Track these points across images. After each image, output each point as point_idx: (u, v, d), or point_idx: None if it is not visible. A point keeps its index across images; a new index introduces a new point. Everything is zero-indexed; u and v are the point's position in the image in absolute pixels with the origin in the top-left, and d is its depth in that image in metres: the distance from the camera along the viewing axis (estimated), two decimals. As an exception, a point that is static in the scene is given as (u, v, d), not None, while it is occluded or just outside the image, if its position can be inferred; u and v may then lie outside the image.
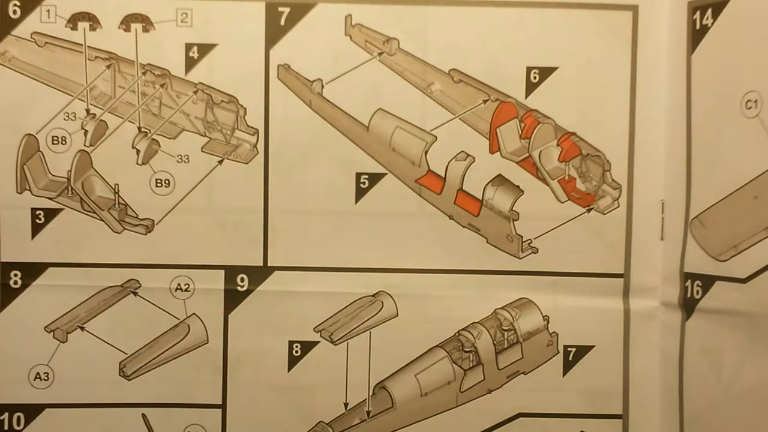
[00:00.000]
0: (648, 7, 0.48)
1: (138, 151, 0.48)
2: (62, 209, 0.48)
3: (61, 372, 0.49)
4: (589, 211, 0.49)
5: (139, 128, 0.48)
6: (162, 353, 0.49)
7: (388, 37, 0.48)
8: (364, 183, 0.49)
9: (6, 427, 0.48)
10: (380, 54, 0.48)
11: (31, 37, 0.47)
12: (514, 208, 0.49)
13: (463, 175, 0.48)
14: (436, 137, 0.48)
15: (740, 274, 0.44)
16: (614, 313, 0.49)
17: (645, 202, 0.49)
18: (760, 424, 0.43)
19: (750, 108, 0.43)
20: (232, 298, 0.49)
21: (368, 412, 0.49)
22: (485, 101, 0.48)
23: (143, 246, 0.48)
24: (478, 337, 0.49)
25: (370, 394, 0.49)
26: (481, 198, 0.49)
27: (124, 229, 0.48)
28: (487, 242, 0.49)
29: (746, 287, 0.43)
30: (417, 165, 0.49)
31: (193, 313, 0.49)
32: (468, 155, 0.48)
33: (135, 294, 0.48)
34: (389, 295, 0.49)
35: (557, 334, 0.49)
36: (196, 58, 0.48)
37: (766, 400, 0.42)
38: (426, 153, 0.48)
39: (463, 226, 0.49)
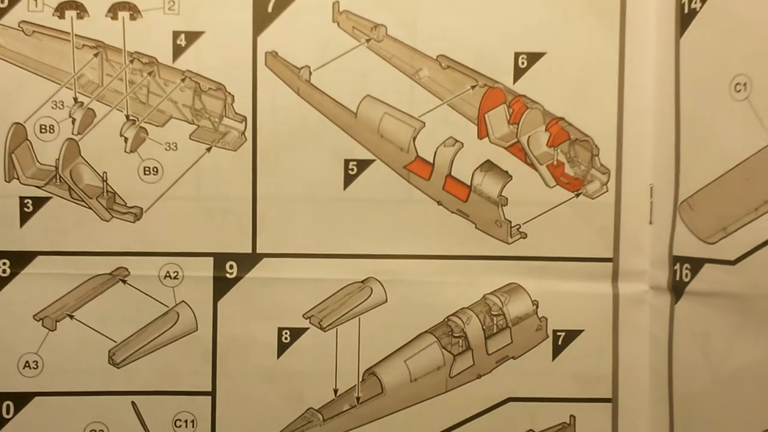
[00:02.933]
0: (635, -9, 0.46)
1: (126, 139, 0.46)
2: (50, 197, 0.46)
3: (50, 360, 0.47)
4: (577, 195, 0.47)
5: (127, 116, 0.46)
6: (151, 341, 0.47)
7: (376, 23, 0.46)
8: (352, 170, 0.47)
9: (-4, 416, 0.47)
10: (368, 40, 0.46)
11: (19, 26, 0.46)
12: (502, 194, 0.47)
13: (452, 161, 0.47)
14: (424, 123, 0.47)
15: (729, 256, 0.42)
16: (603, 298, 0.47)
17: (634, 186, 0.47)
18: (750, 405, 0.41)
19: (739, 91, 0.42)
20: (221, 286, 0.47)
21: (358, 398, 0.48)
22: (473, 87, 0.47)
23: (132, 234, 0.47)
24: (467, 323, 0.47)
25: (360, 380, 0.48)
26: (469, 184, 0.47)
27: (113, 217, 0.47)
28: (475, 228, 0.47)
29: (735, 269, 0.42)
30: (405, 151, 0.47)
31: (182, 301, 0.47)
32: (456, 141, 0.47)
33: (124, 282, 0.47)
34: (378, 281, 0.47)
35: (546, 319, 0.48)
36: (183, 45, 0.46)
37: (755, 380, 0.41)
38: (414, 139, 0.47)
39: (452, 212, 0.47)
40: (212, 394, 0.47)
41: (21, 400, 0.47)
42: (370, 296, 0.47)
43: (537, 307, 0.48)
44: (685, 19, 0.45)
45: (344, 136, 0.47)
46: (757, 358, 0.41)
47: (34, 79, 0.46)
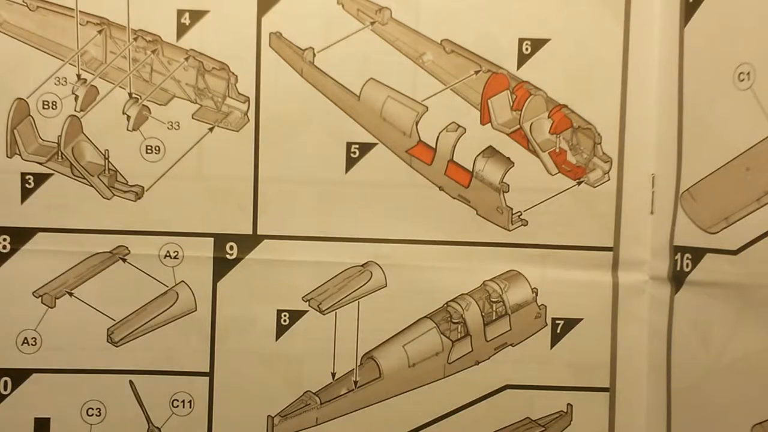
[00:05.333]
0: (641, -22, 0.45)
1: (128, 117, 0.45)
2: (52, 174, 0.46)
3: (48, 337, 0.46)
4: (579, 184, 0.46)
5: (130, 94, 0.45)
6: (150, 320, 0.46)
7: (381, 6, 0.45)
8: (354, 153, 0.46)
9: (-7, 392, 0.46)
10: (372, 23, 0.45)
11: (23, 1, 0.45)
12: (504, 180, 0.46)
13: (454, 146, 0.46)
14: (427, 108, 0.46)
15: (731, 246, 0.41)
16: (603, 287, 0.46)
17: (635, 175, 0.46)
18: (748, 395, 0.40)
19: (743, 80, 0.41)
20: (221, 266, 0.46)
21: (355, 382, 0.47)
22: (477, 72, 0.46)
23: (132, 212, 0.46)
24: (466, 309, 0.46)
25: (358, 364, 0.47)
26: (471, 169, 0.46)
27: (114, 195, 0.46)
28: (477, 214, 0.46)
29: (737, 259, 0.41)
30: (408, 135, 0.46)
31: (182, 281, 0.46)
32: (459, 126, 0.46)
33: (124, 260, 0.46)
34: (378, 265, 0.46)
35: (545, 307, 0.47)
36: (187, 24, 0.45)
37: (753, 370, 0.40)
38: (417, 123, 0.46)
39: (453, 198, 0.46)
40: (210, 374, 0.46)
41: (19, 376, 0.46)
42: (369, 280, 0.46)
43: (536, 294, 0.47)
44: (689, 7, 0.44)
45: (347, 119, 0.46)
46: (757, 348, 0.40)
47: (37, 54, 0.45)
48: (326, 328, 0.46)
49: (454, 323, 0.47)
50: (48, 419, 0.46)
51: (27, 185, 0.45)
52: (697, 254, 0.43)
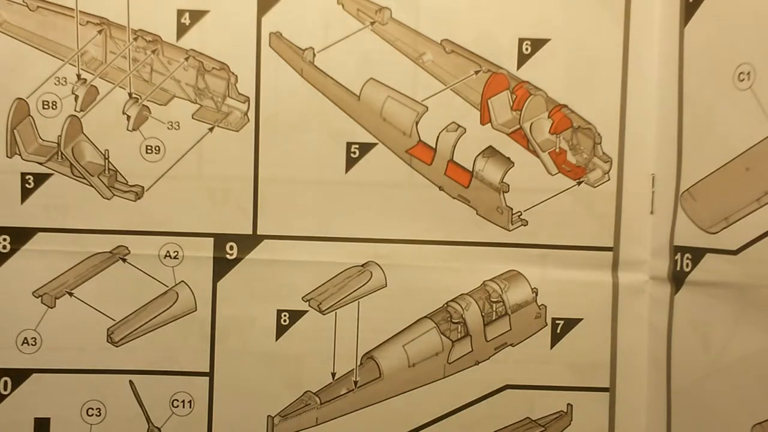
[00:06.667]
0: (641, -22, 0.45)
1: (128, 117, 0.45)
2: (52, 174, 0.45)
3: (48, 337, 0.46)
4: (579, 184, 0.46)
5: (130, 94, 0.45)
6: (150, 320, 0.46)
7: (381, 6, 0.45)
8: (354, 153, 0.46)
9: (-7, 392, 0.46)
10: (372, 23, 0.45)
11: (23, 1, 0.45)
12: (504, 180, 0.46)
13: (454, 146, 0.46)
14: (427, 108, 0.46)
15: (731, 246, 0.41)
16: (603, 287, 0.46)
17: (635, 175, 0.46)
18: (747, 394, 0.40)
19: (743, 80, 0.41)
20: (221, 266, 0.46)
21: (355, 382, 0.47)
22: (477, 72, 0.46)
23: (132, 212, 0.46)
24: (466, 309, 0.46)
25: (358, 364, 0.47)
26: (471, 169, 0.46)
27: (114, 195, 0.46)
28: (476, 214, 0.46)
29: (737, 259, 0.41)
30: (408, 135, 0.46)
31: (182, 281, 0.46)
32: (459, 126, 0.46)
33: (124, 260, 0.46)
34: (378, 265, 0.46)
35: (545, 307, 0.47)
36: (187, 24, 0.45)
37: (753, 370, 0.40)
38: (417, 123, 0.46)
39: (453, 198, 0.46)
40: (210, 374, 0.46)
41: (19, 376, 0.46)
42: (369, 280, 0.46)
43: (536, 294, 0.47)
44: (689, 7, 0.44)
45: (347, 119, 0.46)
46: (757, 348, 0.40)
47: (37, 54, 0.45)
48: (326, 328, 0.46)
49: (454, 323, 0.47)
50: (48, 419, 0.46)
51: (27, 185, 0.45)
52: (697, 254, 0.43)
